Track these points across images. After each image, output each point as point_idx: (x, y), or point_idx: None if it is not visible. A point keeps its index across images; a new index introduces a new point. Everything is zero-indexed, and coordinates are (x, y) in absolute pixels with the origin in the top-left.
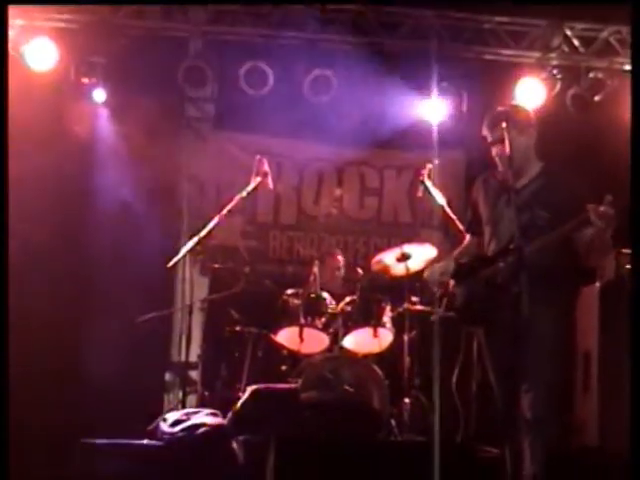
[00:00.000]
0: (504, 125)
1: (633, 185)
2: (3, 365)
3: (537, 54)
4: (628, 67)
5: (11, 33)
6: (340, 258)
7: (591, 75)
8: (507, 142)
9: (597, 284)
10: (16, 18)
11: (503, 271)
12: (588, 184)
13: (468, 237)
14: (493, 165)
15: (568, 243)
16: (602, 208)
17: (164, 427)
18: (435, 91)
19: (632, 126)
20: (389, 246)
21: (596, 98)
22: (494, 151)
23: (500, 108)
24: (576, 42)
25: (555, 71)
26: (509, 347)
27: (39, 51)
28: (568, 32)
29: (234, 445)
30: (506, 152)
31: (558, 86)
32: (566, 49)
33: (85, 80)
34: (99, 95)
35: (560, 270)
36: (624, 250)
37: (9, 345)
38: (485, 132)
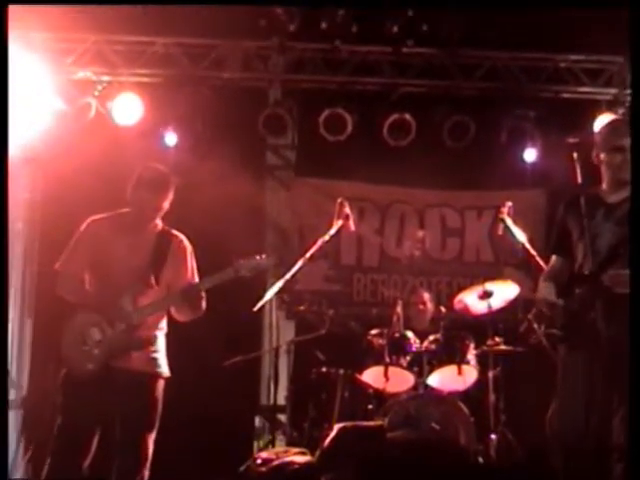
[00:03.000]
0: (575, 156)
1: (633, 185)
2: (3, 365)
3: (614, 90)
4: None
5: (98, 89)
6: (425, 295)
7: None
8: (578, 171)
9: None
10: (102, 75)
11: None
12: None
13: (554, 258)
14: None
15: None
16: None
17: (255, 467)
18: (513, 133)
19: (632, 127)
20: (472, 285)
21: None
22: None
23: (571, 140)
24: None
25: None
26: (610, 370)
27: (125, 106)
28: None
29: None
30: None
31: None
32: None
33: (170, 132)
34: (171, 139)
35: None
36: None
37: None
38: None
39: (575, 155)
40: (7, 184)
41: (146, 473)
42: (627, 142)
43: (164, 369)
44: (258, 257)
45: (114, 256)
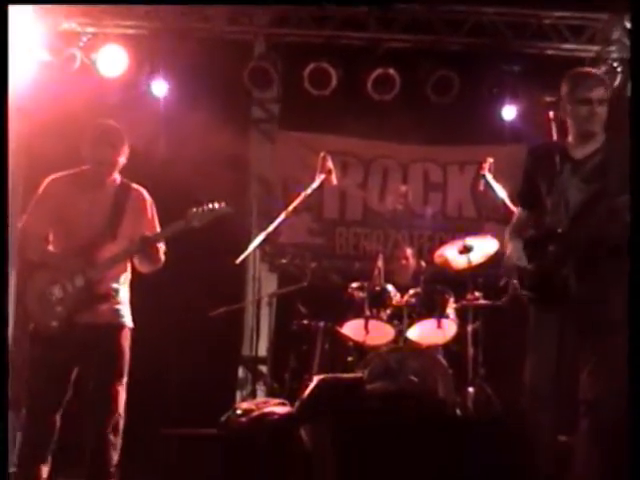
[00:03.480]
0: (551, 115)
1: (633, 184)
2: (3, 364)
3: (597, 47)
4: None
5: (83, 40)
6: (408, 250)
7: None
8: (554, 129)
9: None
10: (87, 26)
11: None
12: None
13: (519, 211)
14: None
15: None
16: None
17: (235, 418)
18: (497, 88)
19: (631, 126)
20: (453, 240)
21: None
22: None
23: (548, 99)
24: None
25: (615, 64)
26: (581, 327)
27: (110, 58)
28: (628, 25)
29: (302, 433)
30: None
31: (619, 79)
32: (627, 42)
33: (155, 84)
34: (159, 88)
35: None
36: None
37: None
38: (564, 102)
39: (551, 114)
40: (7, 184)
41: (121, 422)
42: (594, 94)
43: (127, 320)
44: (210, 206)
45: (74, 213)
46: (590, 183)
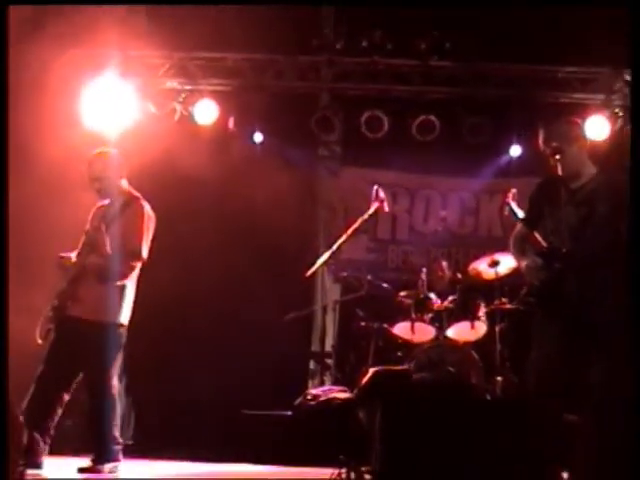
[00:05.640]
0: (557, 157)
1: (633, 185)
2: (3, 364)
3: (602, 96)
4: None
5: (182, 96)
6: (444, 263)
7: None
8: (559, 168)
9: None
10: (185, 84)
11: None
12: None
13: (520, 227)
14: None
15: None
16: None
17: (306, 402)
18: (516, 131)
19: (632, 127)
20: (484, 255)
21: None
22: (552, 161)
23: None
24: None
25: (617, 110)
26: (581, 327)
27: (204, 110)
28: (627, 77)
29: (360, 414)
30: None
31: (620, 122)
32: (626, 91)
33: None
34: (258, 137)
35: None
36: None
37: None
38: (542, 147)
39: (557, 157)
40: (7, 185)
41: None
42: (563, 142)
43: (116, 317)
44: None
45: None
46: (580, 208)
